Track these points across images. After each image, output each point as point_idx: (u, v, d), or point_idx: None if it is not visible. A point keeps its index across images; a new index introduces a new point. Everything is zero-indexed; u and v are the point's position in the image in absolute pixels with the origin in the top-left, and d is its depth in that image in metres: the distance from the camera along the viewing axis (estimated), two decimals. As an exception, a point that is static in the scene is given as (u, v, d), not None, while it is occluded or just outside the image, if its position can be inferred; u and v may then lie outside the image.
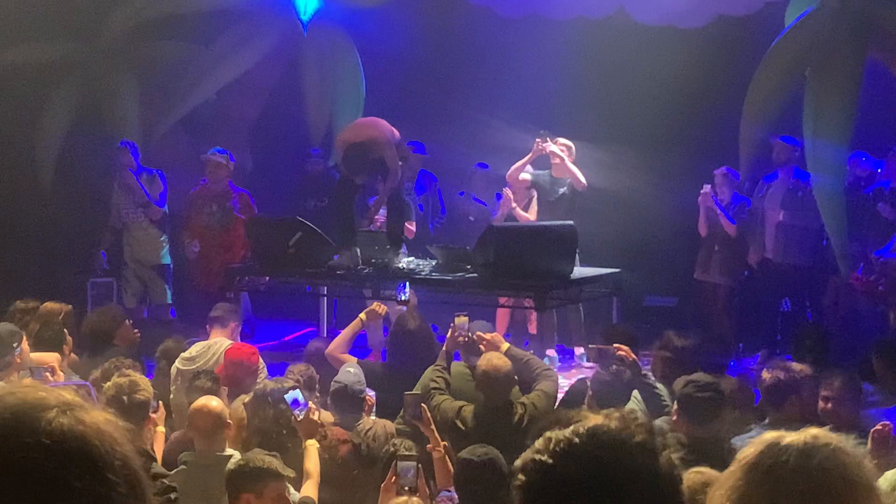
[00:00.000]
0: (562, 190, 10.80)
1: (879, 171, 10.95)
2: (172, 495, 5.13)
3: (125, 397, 5.68)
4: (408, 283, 8.92)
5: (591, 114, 11.76)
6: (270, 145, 13.57)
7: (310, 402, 6.10)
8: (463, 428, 6.56)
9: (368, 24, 12.86)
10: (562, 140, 10.80)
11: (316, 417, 6.02)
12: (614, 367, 6.54)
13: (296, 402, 6.02)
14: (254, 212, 11.25)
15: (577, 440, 1.83)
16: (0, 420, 1.40)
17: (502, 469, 5.51)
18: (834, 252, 10.84)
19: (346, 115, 12.81)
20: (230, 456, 5.55)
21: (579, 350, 10.79)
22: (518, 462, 1.89)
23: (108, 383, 5.92)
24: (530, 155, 10.76)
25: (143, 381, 5.91)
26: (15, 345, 6.78)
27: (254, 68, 13.11)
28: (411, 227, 10.94)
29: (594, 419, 1.88)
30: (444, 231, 12.09)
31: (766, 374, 6.48)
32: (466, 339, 7.25)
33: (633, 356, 6.72)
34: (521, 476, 1.86)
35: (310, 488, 5.63)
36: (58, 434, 1.40)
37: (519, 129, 11.74)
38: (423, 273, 9.31)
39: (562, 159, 10.68)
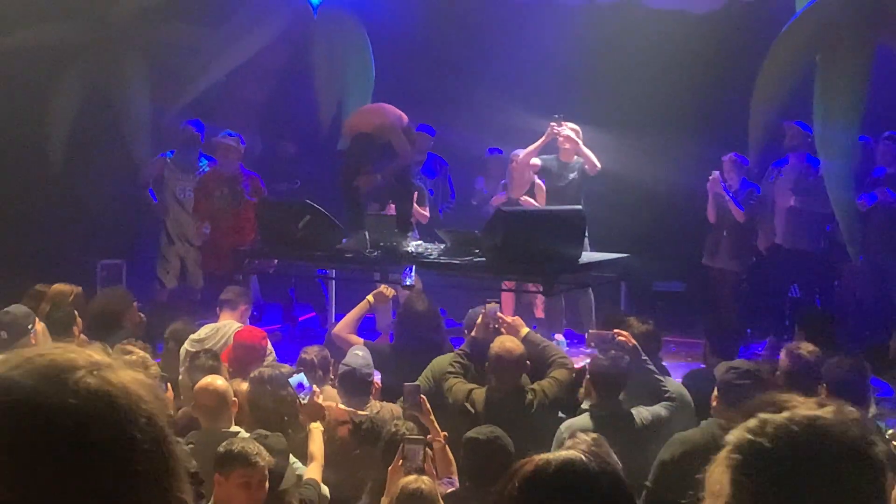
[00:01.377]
0: (572, 175, 10.81)
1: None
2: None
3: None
4: (413, 268, 8.92)
5: (601, 98, 11.74)
6: (279, 128, 13.58)
7: (314, 386, 6.12)
8: (473, 411, 6.57)
9: (378, 6, 12.85)
10: (569, 124, 10.81)
11: (320, 400, 6.04)
12: (612, 352, 6.55)
13: (300, 385, 6.05)
14: (264, 195, 11.26)
15: (795, 427, 1.87)
16: (29, 381, 1.41)
17: (508, 448, 5.53)
18: (843, 237, 10.84)
19: (355, 98, 12.82)
20: (237, 433, 5.58)
21: None
22: (731, 439, 1.92)
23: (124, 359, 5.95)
24: (542, 139, 10.76)
25: (152, 363, 5.95)
26: (30, 326, 6.85)
27: (263, 51, 13.10)
28: (424, 211, 10.93)
29: (806, 406, 1.93)
30: (456, 215, 12.08)
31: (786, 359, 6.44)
32: (496, 326, 7.23)
33: (633, 341, 6.73)
34: (735, 455, 1.90)
35: (314, 470, 5.67)
36: (84, 394, 1.41)
37: (529, 114, 11.74)
38: (431, 257, 9.32)
39: (575, 143, 10.69)
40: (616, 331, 6.86)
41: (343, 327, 8.15)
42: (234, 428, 5.73)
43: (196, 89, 13.18)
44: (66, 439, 1.38)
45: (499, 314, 7.39)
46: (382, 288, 8.54)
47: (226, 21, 13.18)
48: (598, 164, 10.65)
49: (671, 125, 11.68)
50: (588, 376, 6.54)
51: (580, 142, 10.72)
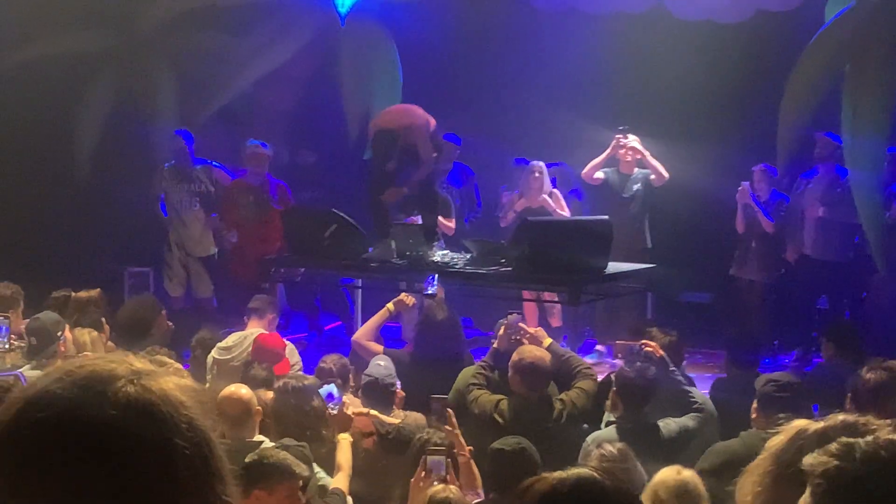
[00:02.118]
0: (635, 187, 10.82)
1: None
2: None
3: None
4: (436, 277, 8.90)
5: (629, 109, 11.70)
6: (306, 137, 13.61)
7: (343, 397, 6.12)
8: (501, 422, 6.54)
9: (406, 16, 12.86)
10: (632, 136, 10.86)
11: (350, 412, 6.04)
12: (638, 363, 6.50)
13: (330, 395, 6.05)
14: (291, 203, 11.28)
15: (883, 452, 1.84)
16: (69, 394, 1.43)
17: (534, 459, 5.50)
18: (872, 249, 10.77)
19: (382, 108, 12.83)
20: (260, 442, 5.57)
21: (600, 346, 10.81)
22: (813, 465, 1.90)
23: None
24: (608, 151, 10.78)
25: (176, 368, 5.93)
26: (59, 333, 6.89)
27: (290, 60, 13.14)
28: (450, 223, 10.84)
29: (888, 430, 1.91)
30: (480, 226, 12.06)
31: (869, 375, 6.26)
32: (518, 339, 7.20)
33: (661, 352, 6.69)
34: (820, 481, 1.87)
35: (341, 480, 5.66)
36: (124, 404, 1.42)
37: (555, 124, 11.73)
38: (457, 266, 9.31)
39: (641, 154, 10.70)
40: (644, 341, 6.83)
41: (363, 334, 8.15)
42: (258, 437, 5.72)
43: (223, 98, 13.24)
44: (108, 451, 1.39)
45: (521, 325, 7.36)
46: (403, 296, 8.53)
47: (253, 30, 13.23)
48: (667, 175, 10.66)
49: (699, 136, 11.63)
50: (614, 388, 6.50)
51: (646, 153, 10.71)
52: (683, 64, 11.83)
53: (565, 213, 10.94)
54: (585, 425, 6.66)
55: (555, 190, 11.13)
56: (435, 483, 5.09)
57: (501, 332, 7.24)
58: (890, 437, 1.87)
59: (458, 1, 12.85)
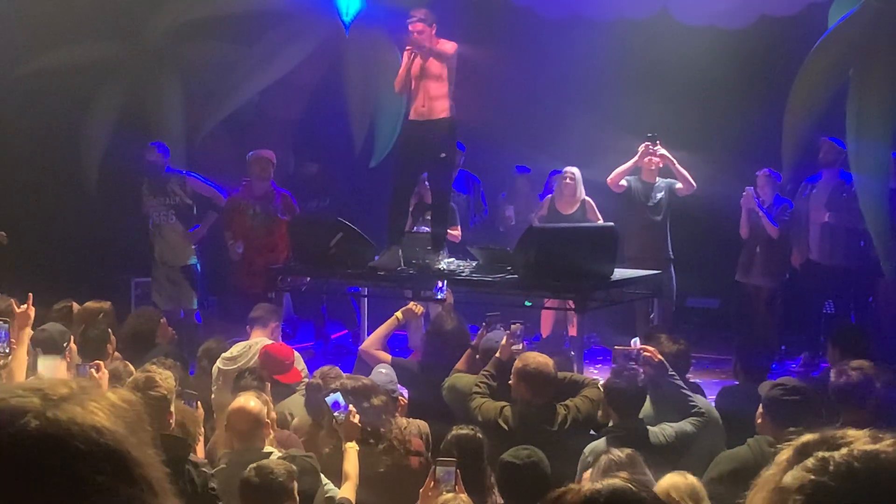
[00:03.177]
0: (659, 195, 10.76)
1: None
2: (211, 483, 5.21)
3: (139, 393, 5.71)
4: (446, 282, 8.91)
5: (632, 114, 11.71)
6: (312, 146, 13.63)
7: (350, 406, 6.12)
8: (506, 428, 6.54)
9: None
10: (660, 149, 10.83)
11: (356, 420, 6.04)
12: (625, 372, 6.49)
13: (336, 404, 6.06)
14: (296, 212, 11.29)
15: (857, 464, 1.82)
16: None
17: (546, 471, 5.50)
18: (878, 253, 10.77)
19: (388, 116, 12.87)
20: (270, 454, 5.58)
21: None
22: (791, 482, 1.89)
23: (129, 379, 6.00)
24: (636, 158, 10.72)
25: (163, 377, 5.90)
26: (65, 344, 6.90)
27: (296, 69, 13.17)
28: (456, 232, 10.84)
29: (863, 441, 1.91)
30: (482, 232, 12.06)
31: (837, 376, 6.27)
32: (522, 347, 7.19)
33: (660, 357, 6.67)
34: (798, 497, 1.86)
35: (348, 490, 5.66)
36: (24, 444, 1.36)
37: (559, 131, 11.73)
38: (463, 274, 9.32)
39: (671, 162, 10.67)
40: (641, 346, 6.82)
41: (371, 343, 8.15)
42: (268, 449, 5.73)
43: (229, 107, 13.28)
44: (13, 489, 1.33)
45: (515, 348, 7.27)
46: (412, 305, 8.54)
47: (259, 40, 13.27)
48: (695, 184, 10.64)
49: (704, 141, 11.64)
50: (604, 397, 6.48)
51: (675, 161, 10.68)
52: (688, 69, 11.84)
53: (599, 221, 10.89)
54: (592, 432, 6.65)
55: (587, 198, 11.13)
56: (444, 492, 5.08)
57: (504, 341, 7.22)
58: (864, 448, 1.86)
59: (462, 9, 12.85)
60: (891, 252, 10.73)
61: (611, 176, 10.82)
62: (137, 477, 1.41)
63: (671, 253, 10.80)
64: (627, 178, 10.85)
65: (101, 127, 13.00)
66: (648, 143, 10.66)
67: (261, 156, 11.27)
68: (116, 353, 7.48)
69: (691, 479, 4.64)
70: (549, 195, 11.36)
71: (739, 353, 8.02)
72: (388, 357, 7.91)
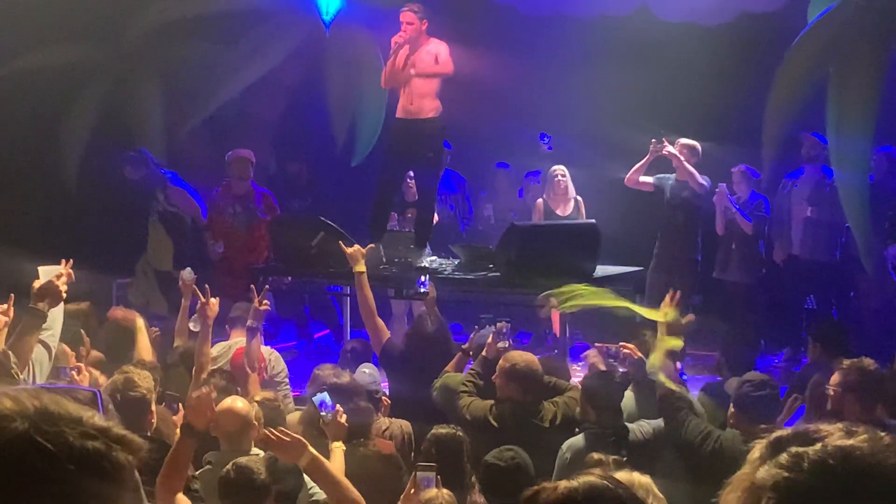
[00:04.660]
0: (685, 193, 10.67)
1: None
2: (194, 485, 5.18)
3: (118, 394, 5.69)
4: (427, 276, 8.84)
5: (614, 112, 11.71)
6: (293, 146, 13.59)
7: (337, 405, 6.09)
8: (495, 425, 6.53)
9: (391, 23, 12.84)
10: (684, 140, 10.71)
11: (343, 420, 6.01)
12: (598, 370, 6.48)
13: (323, 403, 6.02)
14: (277, 212, 11.25)
15: (831, 461, 1.82)
16: None
17: (529, 471, 5.49)
18: (859, 249, 10.80)
19: (369, 115, 12.85)
20: (256, 455, 5.54)
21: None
22: (764, 478, 1.87)
23: (108, 381, 5.97)
24: (647, 157, 10.62)
25: (142, 378, 5.86)
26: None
27: (276, 69, 13.15)
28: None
29: (837, 436, 1.89)
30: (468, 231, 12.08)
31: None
32: (508, 345, 7.17)
33: (639, 354, 6.66)
34: (771, 494, 1.84)
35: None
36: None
37: (539, 128, 11.72)
38: (445, 272, 9.30)
39: (679, 161, 10.53)
40: (621, 343, 6.81)
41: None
42: (255, 451, 5.69)
43: (209, 107, 13.24)
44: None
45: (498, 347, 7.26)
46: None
47: (239, 40, 13.23)
48: (705, 183, 10.53)
49: (685, 137, 11.64)
50: (581, 395, 6.47)
51: (683, 160, 10.55)
52: (668, 66, 11.85)
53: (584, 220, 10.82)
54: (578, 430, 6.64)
55: (578, 197, 11.11)
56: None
57: (489, 339, 7.20)
58: (838, 443, 1.85)
59: (443, 6, 12.84)
60: (872, 248, 10.77)
61: (627, 175, 10.73)
62: (114, 465, 1.45)
63: (699, 254, 10.77)
64: (659, 176, 10.75)
65: (80, 127, 12.95)
66: (654, 141, 10.57)
67: (240, 155, 11.22)
68: (94, 353, 7.44)
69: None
70: (541, 198, 11.31)
71: (724, 349, 8.04)
72: (387, 333, 7.89)
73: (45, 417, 1.45)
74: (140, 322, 7.67)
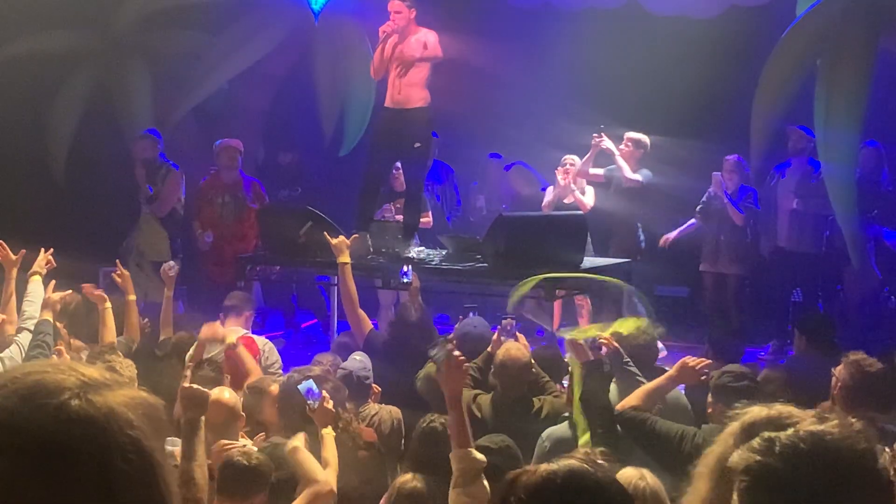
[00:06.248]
0: (630, 184, 10.75)
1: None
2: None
3: None
4: (410, 266, 8.80)
5: (601, 104, 11.72)
6: (282, 135, 13.58)
7: (323, 392, 6.09)
8: (479, 415, 6.54)
9: (380, 13, 12.82)
10: (630, 133, 10.82)
11: (330, 406, 6.02)
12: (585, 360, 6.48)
13: (310, 391, 6.03)
14: (265, 201, 11.24)
15: (802, 445, 1.85)
16: (10, 402, 1.38)
17: (517, 455, 5.52)
18: (845, 241, 10.84)
19: (357, 105, 12.83)
20: (243, 446, 5.55)
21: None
22: (737, 462, 1.89)
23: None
24: (591, 152, 10.72)
25: (124, 366, 5.83)
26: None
27: (265, 58, 13.12)
28: (426, 218, 10.79)
29: (809, 421, 1.91)
30: (456, 222, 12.08)
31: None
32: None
33: (615, 345, 6.64)
34: (744, 478, 1.87)
35: (329, 476, 5.64)
36: (65, 419, 1.37)
37: (528, 119, 11.71)
38: (433, 263, 9.31)
39: (613, 155, 10.70)
40: (599, 335, 6.80)
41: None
42: (242, 440, 5.70)
43: (198, 96, 13.21)
44: (43, 465, 1.34)
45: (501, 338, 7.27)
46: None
47: (228, 29, 13.20)
48: (632, 177, 10.62)
49: (672, 131, 11.66)
50: (566, 385, 6.48)
51: (616, 154, 10.69)
52: (657, 59, 11.88)
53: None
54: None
55: (588, 186, 11.13)
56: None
57: (495, 337, 7.19)
58: (810, 428, 1.87)
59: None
60: (858, 240, 10.80)
61: (576, 170, 10.86)
62: (155, 478, 1.43)
63: (642, 242, 10.85)
64: (609, 167, 10.84)
65: (68, 116, 12.91)
66: (595, 135, 10.66)
67: (228, 145, 11.21)
68: (76, 341, 7.42)
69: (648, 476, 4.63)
70: (549, 186, 11.31)
71: (711, 341, 8.06)
72: (369, 325, 7.90)
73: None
74: (108, 304, 7.60)
